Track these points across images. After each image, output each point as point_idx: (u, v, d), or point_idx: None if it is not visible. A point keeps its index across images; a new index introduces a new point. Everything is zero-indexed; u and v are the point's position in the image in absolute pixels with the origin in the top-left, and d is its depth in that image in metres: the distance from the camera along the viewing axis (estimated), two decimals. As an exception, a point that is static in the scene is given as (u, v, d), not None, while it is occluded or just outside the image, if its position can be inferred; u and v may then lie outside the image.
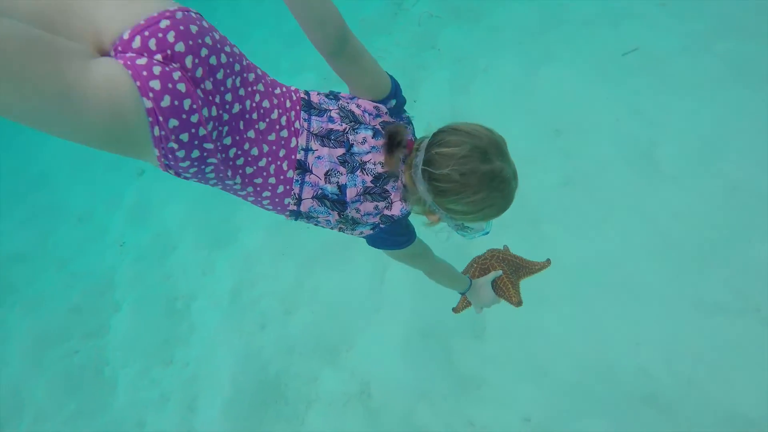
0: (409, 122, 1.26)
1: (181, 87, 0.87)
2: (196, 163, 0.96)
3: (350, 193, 1.12)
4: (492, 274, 1.56)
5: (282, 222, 3.60)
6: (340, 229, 1.21)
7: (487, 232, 1.23)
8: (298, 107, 1.12)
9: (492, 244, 2.51)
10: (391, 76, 1.22)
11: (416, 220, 1.24)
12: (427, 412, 2.29)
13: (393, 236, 1.22)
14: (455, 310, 1.67)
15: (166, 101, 0.85)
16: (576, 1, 3.57)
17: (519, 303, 1.54)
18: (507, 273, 1.55)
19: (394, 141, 1.14)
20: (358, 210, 1.15)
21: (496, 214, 1.14)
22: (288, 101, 1.12)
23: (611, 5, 3.42)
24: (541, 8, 3.65)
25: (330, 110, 1.14)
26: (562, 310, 2.39)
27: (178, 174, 0.99)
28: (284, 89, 1.14)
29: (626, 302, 2.32)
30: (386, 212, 1.17)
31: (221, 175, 1.03)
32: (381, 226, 1.18)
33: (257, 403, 2.63)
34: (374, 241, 1.24)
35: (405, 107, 1.28)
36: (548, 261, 1.65)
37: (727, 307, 2.11)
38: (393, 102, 1.21)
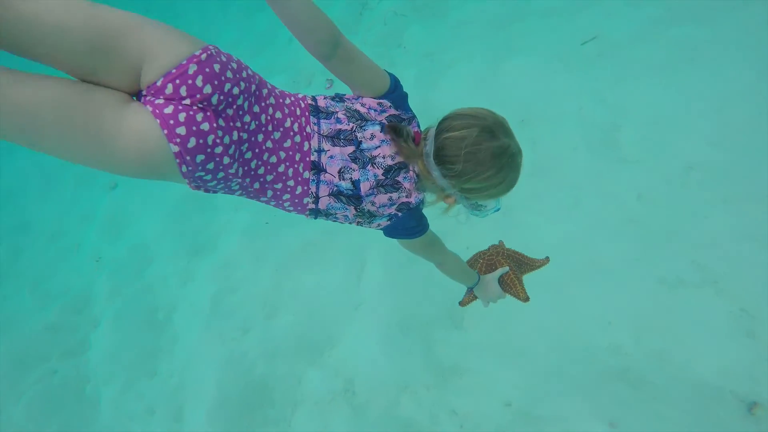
0: (414, 115, 1.32)
1: (205, 126, 0.98)
2: (222, 182, 1.08)
3: (364, 188, 1.19)
4: (499, 271, 1.62)
5: (258, 227, 3.58)
6: (359, 223, 1.27)
7: (499, 209, 1.30)
8: (307, 113, 1.20)
9: (489, 232, 2.56)
10: (390, 73, 1.29)
11: (430, 212, 1.30)
12: (410, 404, 2.34)
13: (409, 225, 1.28)
14: (462, 303, 1.72)
15: (192, 143, 0.97)
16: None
17: (526, 299, 1.62)
18: (513, 269, 1.61)
19: (399, 134, 1.21)
20: (373, 203, 1.21)
21: (508, 189, 1.22)
22: (298, 109, 1.19)
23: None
24: (503, 2, 3.72)
25: (337, 112, 1.22)
26: (537, 293, 2.43)
27: (206, 191, 1.12)
28: (293, 98, 1.22)
29: (597, 283, 2.40)
30: (403, 200, 1.23)
31: (245, 184, 1.14)
32: (398, 215, 1.25)
33: (243, 408, 2.63)
34: (391, 231, 1.30)
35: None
36: (547, 258, 1.73)
37: (689, 281, 2.20)
38: (395, 95, 1.28)
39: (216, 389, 2.71)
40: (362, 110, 1.23)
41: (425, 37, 3.86)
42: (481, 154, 1.13)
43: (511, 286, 1.58)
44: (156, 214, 3.71)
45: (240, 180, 1.11)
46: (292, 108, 1.19)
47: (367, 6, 4.33)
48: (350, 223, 1.28)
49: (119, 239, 3.75)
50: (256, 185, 1.15)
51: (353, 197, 1.20)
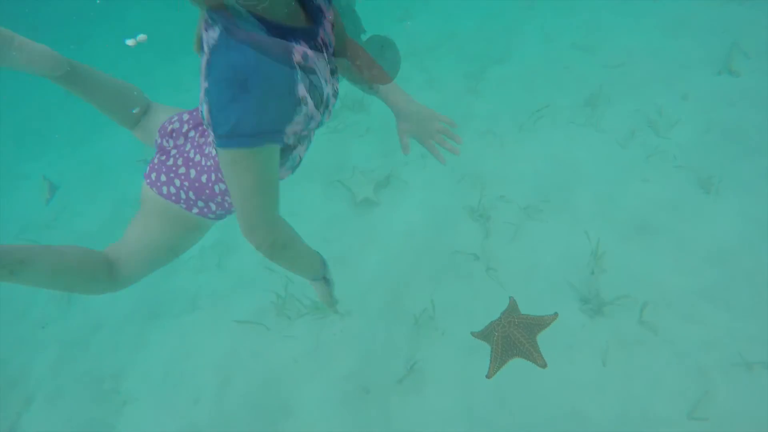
0: None
1: (150, 160, 1.47)
2: (191, 193, 1.37)
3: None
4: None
5: (215, 290, 3.44)
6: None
7: None
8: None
9: (454, 304, 2.51)
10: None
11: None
12: (368, 479, 2.18)
13: (217, 106, 0.92)
14: (489, 375, 1.69)
15: (147, 169, 1.46)
16: (490, 69, 3.92)
17: (544, 365, 1.65)
18: (526, 337, 1.65)
19: None
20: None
21: None
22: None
23: (522, 70, 3.78)
24: (458, 79, 3.97)
25: None
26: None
27: (204, 215, 1.42)
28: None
29: (554, 346, 2.34)
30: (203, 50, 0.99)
31: (206, 191, 1.36)
32: (206, 86, 0.95)
33: (188, 490, 2.40)
34: (214, 121, 0.96)
35: None
36: (556, 314, 1.76)
37: (646, 342, 2.20)
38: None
39: (159, 469, 2.48)
40: None
41: (382, 112, 4.03)
42: None
43: (527, 354, 1.66)
44: (111, 277, 3.57)
45: (191, 184, 1.37)
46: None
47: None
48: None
49: (70, 304, 3.56)
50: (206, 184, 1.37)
51: None
